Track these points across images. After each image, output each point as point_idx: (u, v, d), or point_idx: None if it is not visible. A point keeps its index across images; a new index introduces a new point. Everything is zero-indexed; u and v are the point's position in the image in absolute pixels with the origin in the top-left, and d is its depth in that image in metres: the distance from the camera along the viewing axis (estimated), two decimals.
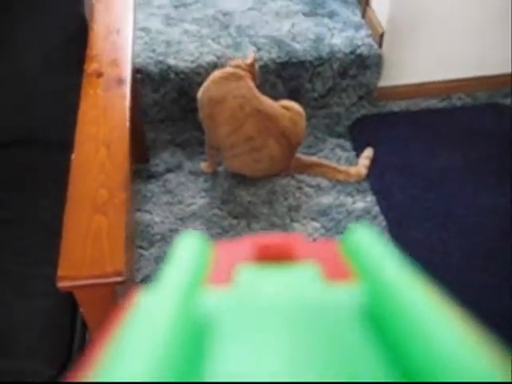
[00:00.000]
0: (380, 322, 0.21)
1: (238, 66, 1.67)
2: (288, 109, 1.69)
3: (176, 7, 2.18)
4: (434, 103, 2.12)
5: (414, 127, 2.03)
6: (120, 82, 1.24)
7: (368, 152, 1.84)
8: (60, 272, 0.88)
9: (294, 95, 1.99)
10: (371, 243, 0.24)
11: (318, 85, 2.00)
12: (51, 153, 1.38)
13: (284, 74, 1.95)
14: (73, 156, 1.07)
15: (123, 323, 0.18)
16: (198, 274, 0.24)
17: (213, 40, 2.01)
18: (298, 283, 0.26)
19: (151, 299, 0.20)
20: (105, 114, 1.16)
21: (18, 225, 1.26)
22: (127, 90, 1.22)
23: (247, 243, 0.30)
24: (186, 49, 1.96)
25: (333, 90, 2.02)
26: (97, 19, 1.43)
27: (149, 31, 2.05)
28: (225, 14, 2.14)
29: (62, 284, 0.87)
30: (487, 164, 1.88)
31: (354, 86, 2.03)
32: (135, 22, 1.47)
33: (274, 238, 0.29)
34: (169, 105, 1.97)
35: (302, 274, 0.27)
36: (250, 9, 2.16)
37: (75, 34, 1.40)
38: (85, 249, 0.91)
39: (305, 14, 2.13)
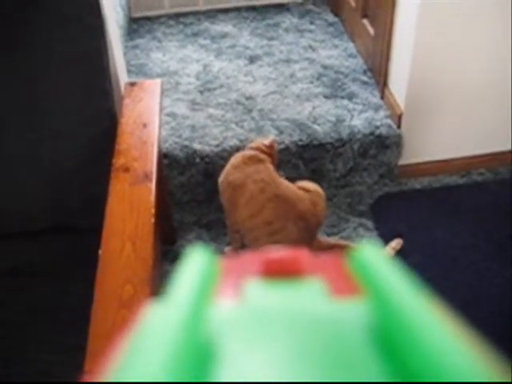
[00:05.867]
0: (386, 339, 0.21)
1: (257, 148, 1.69)
2: (307, 190, 1.67)
3: (201, 92, 2.28)
4: (455, 179, 2.15)
5: (435, 204, 2.05)
6: (146, 176, 1.30)
7: (396, 244, 1.85)
8: (86, 366, 0.92)
9: (315, 175, 2.03)
10: (379, 260, 0.25)
11: (340, 165, 2.05)
12: (83, 240, 1.43)
13: (305, 156, 2.01)
14: (100, 252, 1.12)
15: (131, 337, 0.19)
16: (205, 288, 0.24)
17: (236, 124, 2.08)
18: (304, 299, 0.26)
19: (160, 313, 0.20)
20: (131, 209, 1.22)
21: (47, 310, 1.31)
22: (153, 185, 1.28)
23: (254, 258, 0.30)
24: (211, 133, 2.04)
25: (354, 169, 2.07)
26: (125, 113, 1.51)
27: (175, 116, 2.14)
28: (248, 98, 2.22)
29: (88, 378, 0.91)
30: (511, 240, 1.88)
31: (374, 165, 2.08)
32: (162, 110, 1.55)
33: (280, 253, 0.29)
34: (194, 187, 2.03)
35: (309, 290, 0.27)
36: (272, 92, 2.24)
37: (104, 128, 1.48)
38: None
39: (325, 97, 2.20)
